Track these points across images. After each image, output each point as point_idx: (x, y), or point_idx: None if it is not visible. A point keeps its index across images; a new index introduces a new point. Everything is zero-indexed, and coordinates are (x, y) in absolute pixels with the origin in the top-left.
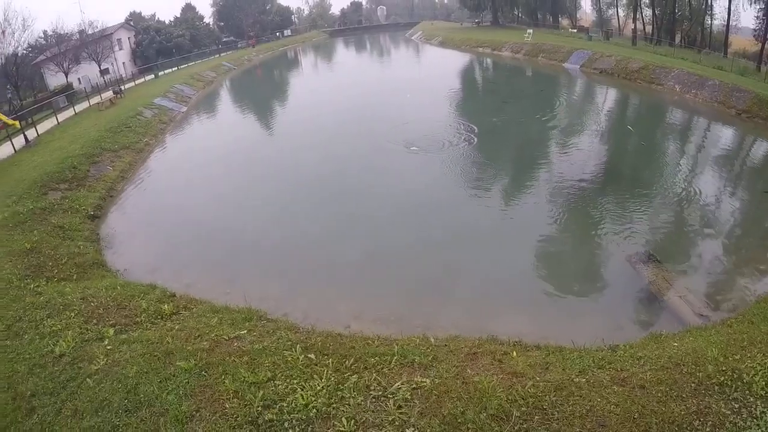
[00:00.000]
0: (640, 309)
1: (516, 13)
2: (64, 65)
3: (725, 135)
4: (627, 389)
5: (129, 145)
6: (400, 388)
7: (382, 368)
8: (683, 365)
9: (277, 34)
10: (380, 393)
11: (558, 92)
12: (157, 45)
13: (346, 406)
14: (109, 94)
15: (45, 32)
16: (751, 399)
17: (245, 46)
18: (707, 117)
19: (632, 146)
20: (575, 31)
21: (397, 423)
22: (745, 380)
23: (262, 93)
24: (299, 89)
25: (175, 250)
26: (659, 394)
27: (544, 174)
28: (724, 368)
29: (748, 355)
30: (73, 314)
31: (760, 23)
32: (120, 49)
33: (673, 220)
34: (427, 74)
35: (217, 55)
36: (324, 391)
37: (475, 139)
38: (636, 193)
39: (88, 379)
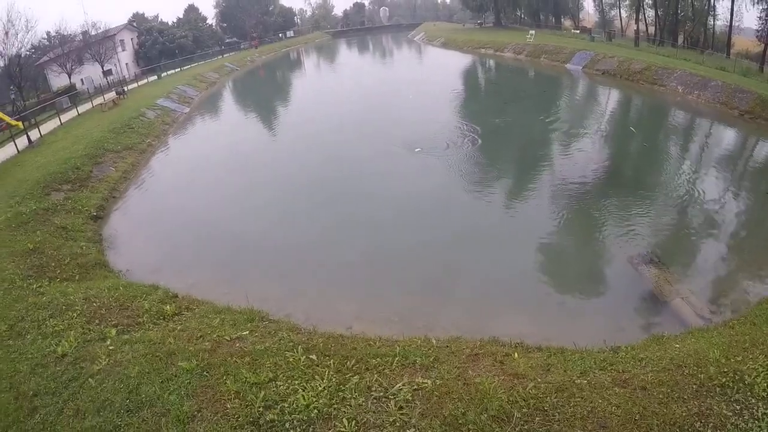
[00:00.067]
0: (642, 310)
1: (518, 14)
2: (68, 66)
3: (728, 136)
4: (628, 391)
5: (132, 146)
6: (401, 389)
7: (384, 369)
8: (685, 367)
9: (280, 35)
10: (381, 394)
11: (560, 93)
12: (160, 46)
13: (348, 406)
14: (112, 95)
15: (48, 33)
16: (753, 400)
17: (248, 47)
18: (710, 118)
19: (634, 147)
20: (578, 32)
21: (398, 424)
22: (746, 382)
23: (264, 94)
24: (302, 90)
25: (178, 250)
26: (660, 396)
27: (546, 175)
28: (725, 370)
29: (750, 356)
30: (75, 314)
31: (763, 24)
32: (123, 50)
33: (675, 222)
34: (429, 75)
35: (220, 56)
36: (325, 391)
37: (478, 140)
38: (638, 195)
39: (90, 379)
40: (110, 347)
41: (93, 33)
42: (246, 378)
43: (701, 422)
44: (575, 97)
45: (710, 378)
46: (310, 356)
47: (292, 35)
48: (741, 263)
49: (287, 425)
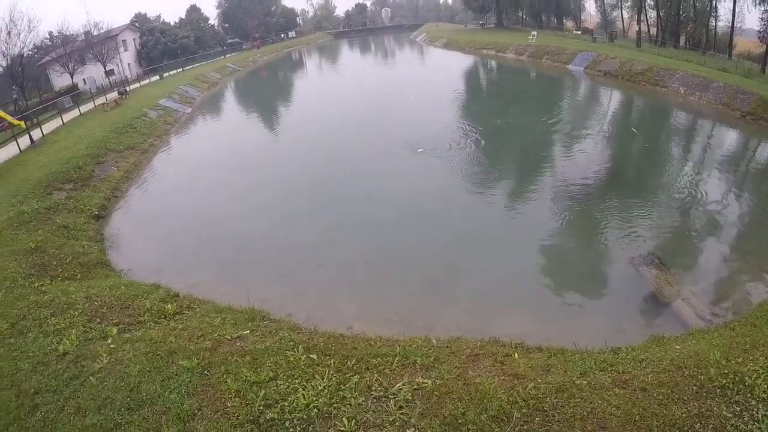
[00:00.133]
0: (643, 311)
1: (520, 14)
2: (70, 66)
3: (730, 137)
4: (628, 392)
5: (134, 146)
6: (401, 388)
7: (384, 369)
8: (685, 368)
9: (282, 35)
10: (381, 393)
11: (562, 94)
12: (162, 46)
13: (347, 406)
14: (114, 95)
15: (51, 33)
16: (753, 402)
17: (250, 48)
18: (711, 119)
19: (636, 148)
20: (579, 32)
21: (397, 423)
22: (747, 383)
23: (266, 95)
24: (304, 91)
25: (179, 250)
26: (660, 397)
27: (547, 176)
28: (726, 371)
29: (751, 358)
30: (76, 313)
31: (765, 25)
32: (125, 50)
33: (676, 223)
34: (431, 76)
35: (222, 57)
36: (325, 391)
37: (480, 141)
38: (639, 196)
39: (91, 377)
40: (111, 346)
41: (95, 33)
42: (246, 377)
43: (701, 423)
44: (577, 98)
45: (710, 379)
46: (311, 356)
47: (294, 36)
48: (742, 265)
49: (287, 424)
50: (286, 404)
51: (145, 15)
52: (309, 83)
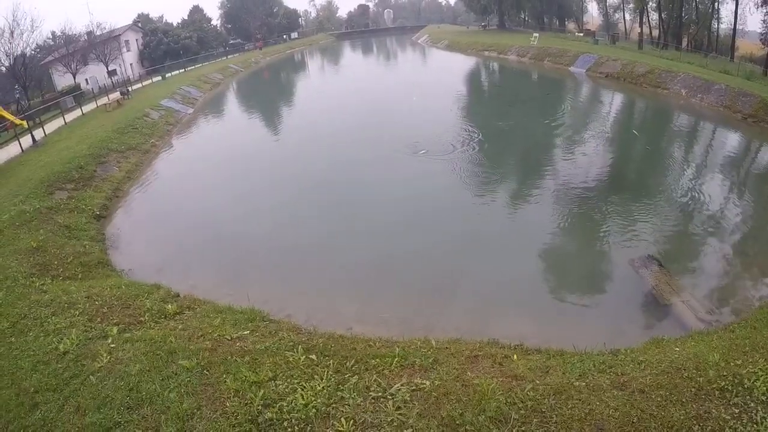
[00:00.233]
0: (643, 313)
1: (522, 16)
2: (72, 66)
3: (731, 139)
4: (627, 393)
5: (135, 146)
6: (399, 389)
7: (383, 370)
8: (684, 370)
9: (284, 36)
10: (380, 394)
11: (564, 96)
12: (164, 47)
13: (346, 406)
14: (116, 95)
15: (53, 33)
16: (752, 404)
17: (252, 49)
18: (713, 121)
19: (637, 151)
20: (581, 34)
21: (395, 424)
22: (746, 385)
23: (268, 95)
24: (306, 92)
25: (180, 251)
26: (659, 399)
27: (548, 178)
28: (725, 373)
29: (750, 360)
30: (77, 312)
31: (767, 27)
32: (128, 51)
33: (677, 225)
34: (433, 78)
35: (224, 57)
36: (324, 391)
37: (482, 143)
38: (640, 198)
39: (91, 377)
40: (111, 345)
41: (98, 33)
42: (246, 377)
43: (699, 426)
44: (578, 100)
45: (709, 381)
46: (310, 356)
47: (297, 37)
48: (742, 267)
49: (285, 424)
50: (285, 404)
51: (148, 15)
52: (311, 84)
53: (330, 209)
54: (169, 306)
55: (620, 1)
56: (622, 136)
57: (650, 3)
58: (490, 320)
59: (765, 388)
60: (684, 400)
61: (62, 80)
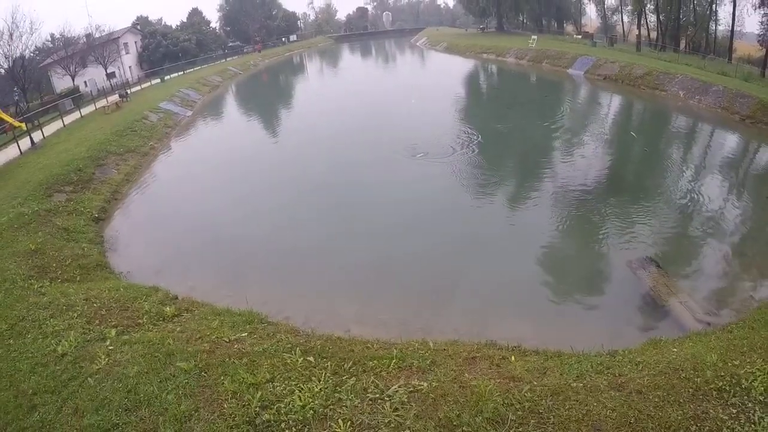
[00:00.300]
0: (641, 314)
1: (521, 19)
2: (71, 68)
3: (729, 141)
4: (624, 394)
5: (134, 149)
6: (397, 391)
7: (381, 371)
8: (682, 370)
9: (283, 39)
10: (377, 396)
11: (562, 98)
12: (163, 49)
13: (343, 407)
14: (115, 97)
15: (52, 35)
16: (750, 404)
17: (251, 51)
18: (711, 123)
19: (635, 152)
20: (580, 37)
21: (392, 425)
22: (743, 386)
23: (267, 98)
24: (304, 95)
25: (179, 253)
26: (656, 399)
27: (547, 180)
28: (722, 374)
29: (748, 360)
30: (75, 315)
31: (764, 29)
32: (127, 53)
33: (675, 226)
34: (431, 80)
35: (223, 60)
36: (322, 392)
37: (480, 146)
38: (638, 199)
39: (89, 379)
40: (110, 347)
41: (97, 36)
42: (243, 378)
43: (697, 426)
44: (577, 102)
45: (707, 382)
46: (308, 358)
47: (295, 39)
48: (740, 268)
49: (283, 425)
50: (283, 406)
51: (147, 18)
52: (310, 87)
53: (329, 211)
54: (168, 308)
55: (618, 4)
56: (621, 138)
57: (648, 5)
58: (489, 322)
59: (762, 388)
60: (681, 400)
61: (61, 83)
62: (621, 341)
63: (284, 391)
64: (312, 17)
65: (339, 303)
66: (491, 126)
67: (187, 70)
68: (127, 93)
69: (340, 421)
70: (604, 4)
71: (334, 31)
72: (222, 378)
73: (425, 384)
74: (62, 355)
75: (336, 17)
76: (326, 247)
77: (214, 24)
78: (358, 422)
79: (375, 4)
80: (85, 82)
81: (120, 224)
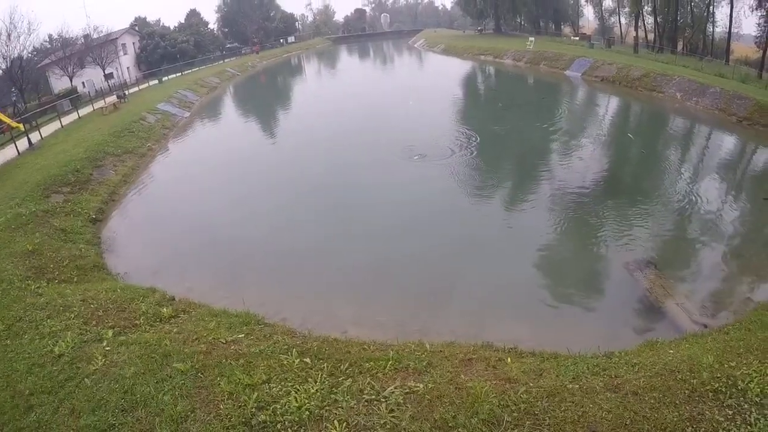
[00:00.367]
0: (637, 316)
1: (518, 21)
2: (69, 69)
3: (726, 142)
4: (620, 395)
5: (132, 150)
6: (393, 392)
7: (377, 373)
8: (678, 372)
9: (281, 40)
10: (373, 397)
11: (559, 100)
12: (161, 50)
13: (339, 409)
14: (113, 98)
15: (50, 36)
16: (746, 406)
17: (249, 53)
18: (708, 124)
19: (633, 154)
20: (577, 38)
21: (388, 426)
22: (739, 387)
23: (265, 100)
24: (302, 96)
25: (176, 254)
26: (652, 401)
27: (544, 182)
28: (719, 375)
29: (744, 362)
30: (72, 315)
31: (761, 30)
32: (125, 54)
33: (672, 228)
34: (429, 82)
35: (221, 61)
36: (318, 394)
37: (478, 148)
38: (636, 201)
39: (86, 379)
40: (106, 348)
41: (95, 36)
42: (240, 380)
43: (693, 427)
44: (574, 103)
45: (703, 383)
46: (304, 359)
47: (293, 41)
48: (737, 269)
49: (279, 426)
50: (279, 407)
51: (145, 19)
52: (308, 88)
53: (327, 213)
54: (165, 309)
55: (616, 5)
56: (618, 139)
57: (646, 7)
58: (485, 324)
59: (759, 390)
60: (677, 402)
61: (59, 83)
62: (617, 343)
63: (280, 392)
64: (310, 19)
65: (336, 304)
66: (489, 128)
67: (185, 72)
68: (125, 94)
69: (335, 422)
70: (601, 5)
71: (332, 32)
72: (218, 379)
73: (421, 385)
74: (59, 355)
75: (334, 19)
76: (324, 248)
77: (212, 25)
78: (353, 423)
79: (373, 5)
80: (83, 83)
81: (117, 225)
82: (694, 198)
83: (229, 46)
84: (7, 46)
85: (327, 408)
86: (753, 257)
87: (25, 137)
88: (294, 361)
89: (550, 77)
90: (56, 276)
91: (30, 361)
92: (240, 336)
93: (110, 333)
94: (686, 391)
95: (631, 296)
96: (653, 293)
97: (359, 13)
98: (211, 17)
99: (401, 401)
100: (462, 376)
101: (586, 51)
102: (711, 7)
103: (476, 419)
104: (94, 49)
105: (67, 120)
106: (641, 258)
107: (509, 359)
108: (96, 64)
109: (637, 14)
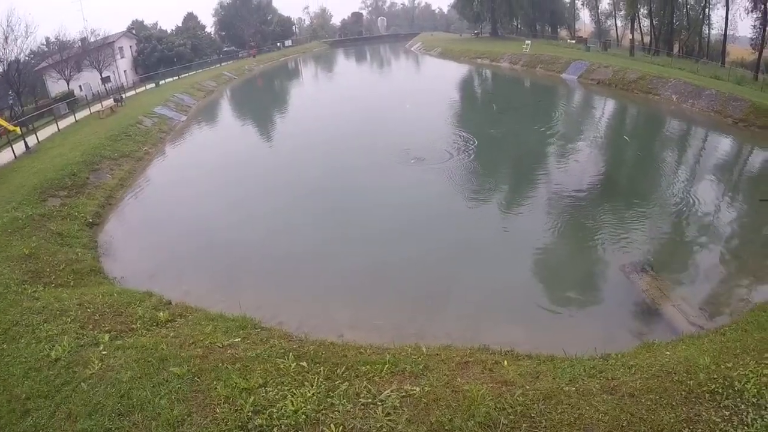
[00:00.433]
0: (634, 318)
1: (515, 24)
2: (66, 72)
3: (722, 144)
4: (616, 397)
5: (129, 154)
6: (389, 395)
7: (373, 376)
8: (674, 373)
9: (278, 44)
10: (370, 400)
11: (556, 103)
12: (158, 54)
13: (335, 412)
14: (110, 102)
15: (47, 39)
16: (743, 406)
17: (246, 56)
18: (704, 126)
19: (629, 156)
20: (574, 41)
21: (384, 429)
22: (736, 388)
23: (262, 103)
24: (299, 100)
25: (173, 258)
26: (649, 402)
27: (541, 185)
28: (715, 376)
29: (741, 362)
30: (69, 320)
31: (756, 32)
32: (122, 57)
33: (668, 230)
34: (426, 85)
35: (218, 65)
36: (314, 397)
37: (474, 151)
38: (632, 203)
39: (82, 383)
40: (103, 352)
41: (92, 40)
42: (236, 383)
43: (689, 429)
44: (570, 106)
45: (700, 384)
46: (301, 363)
47: (290, 44)
48: (734, 271)
49: (275, 430)
50: (275, 410)
51: (142, 22)
52: (305, 92)
53: (324, 216)
54: (161, 313)
55: (612, 8)
56: (614, 142)
57: (642, 10)
58: (482, 327)
59: (755, 390)
60: (674, 403)
61: (56, 87)
62: (614, 345)
63: (277, 396)
64: (307, 22)
65: (333, 308)
66: (485, 131)
67: (182, 75)
68: (122, 97)
69: (332, 425)
70: (597, 9)
71: (329, 36)
72: (215, 383)
73: (418, 389)
74: (56, 359)
75: (331, 22)
76: (321, 252)
77: (210, 29)
78: (350, 427)
79: (370, 9)
80: (80, 87)
81: (114, 229)
82: (690, 200)
83: (226, 49)
84: (5, 49)
85: (323, 412)
86: (749, 258)
87: (22, 141)
88: (290, 365)
89: (546, 80)
90: (53, 280)
91: (26, 365)
92: (236, 340)
93: (107, 337)
94: (683, 393)
95: (628, 298)
96: (649, 295)
97: (356, 16)
98: (208, 21)
99: (398, 404)
100: (458, 379)
101: (582, 54)
102: (706, 10)
103: (473, 422)
104: (92, 52)
105: (64, 123)
106: (637, 260)
107: (506, 362)
108: (93, 68)
109: (633, 17)
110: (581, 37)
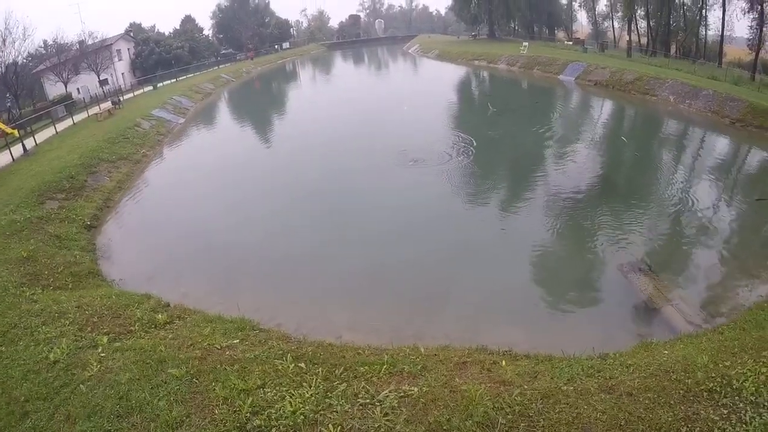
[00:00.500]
0: (632, 317)
1: (512, 26)
2: (64, 75)
3: (719, 144)
4: (614, 396)
5: (126, 156)
6: (387, 396)
7: (372, 377)
8: (672, 372)
9: (276, 46)
10: (368, 401)
11: (553, 104)
12: (156, 56)
13: (334, 413)
14: (107, 104)
15: (45, 42)
16: (741, 405)
17: (244, 59)
18: (701, 126)
19: (626, 157)
20: (571, 43)
21: (383, 430)
22: (734, 386)
23: (259, 106)
24: (297, 102)
25: (171, 260)
26: (647, 401)
27: (539, 186)
28: (713, 375)
29: (739, 361)
30: (67, 322)
31: (753, 33)
32: (119, 60)
33: (665, 230)
34: (424, 87)
35: (216, 67)
36: (312, 398)
37: (472, 153)
38: (630, 204)
39: (81, 386)
40: (102, 354)
41: (90, 42)
42: (235, 385)
43: (688, 427)
44: (568, 108)
45: (698, 383)
46: (299, 364)
47: (288, 47)
48: (731, 270)
49: (273, 431)
50: (273, 411)
51: (140, 25)
52: (302, 94)
53: (322, 218)
54: (160, 315)
55: (609, 10)
56: (612, 143)
57: (639, 11)
58: (480, 327)
59: (753, 389)
60: (672, 402)
61: (54, 89)
62: (612, 344)
63: (275, 397)
64: (305, 25)
65: (331, 309)
66: (483, 132)
67: (180, 78)
68: (119, 100)
69: (330, 426)
70: (595, 10)
71: (326, 38)
72: (213, 384)
73: (416, 389)
74: (54, 362)
75: (329, 25)
76: (319, 253)
77: (207, 31)
78: (348, 427)
79: (367, 11)
80: (77, 89)
81: (112, 231)
82: (687, 200)
83: (223, 52)
84: (2, 51)
85: (322, 412)
86: (747, 257)
87: (20, 143)
88: (289, 366)
89: (543, 82)
90: (51, 283)
91: (25, 367)
92: (235, 341)
93: (105, 339)
94: (681, 391)
95: (626, 298)
96: (648, 294)
97: (354, 19)
98: (206, 23)
99: (396, 405)
100: (456, 379)
101: (579, 55)
102: (703, 11)
103: (471, 422)
104: (89, 55)
105: (61, 126)
106: (635, 260)
107: (504, 362)
108: (91, 70)
109: (630, 18)
110: (578, 38)
